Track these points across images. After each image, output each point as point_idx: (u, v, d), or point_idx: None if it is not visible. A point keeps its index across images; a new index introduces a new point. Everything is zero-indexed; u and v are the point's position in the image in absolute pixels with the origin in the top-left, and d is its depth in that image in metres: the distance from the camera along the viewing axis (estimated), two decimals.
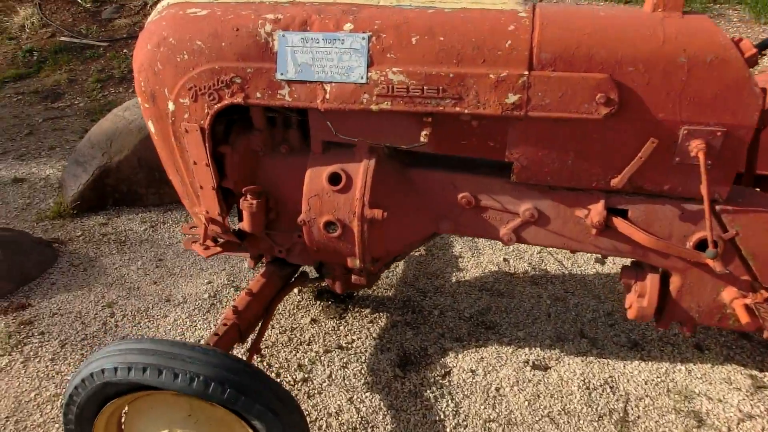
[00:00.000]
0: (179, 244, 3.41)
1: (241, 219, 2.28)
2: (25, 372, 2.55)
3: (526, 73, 1.81)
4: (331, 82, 1.93)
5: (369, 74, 1.90)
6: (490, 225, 2.17)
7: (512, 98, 1.84)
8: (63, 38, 7.62)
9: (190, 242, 2.58)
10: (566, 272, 3.22)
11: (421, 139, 1.94)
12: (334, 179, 2.11)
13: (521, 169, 2.00)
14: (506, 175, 2.12)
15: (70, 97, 6.22)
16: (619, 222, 2.02)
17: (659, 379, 2.55)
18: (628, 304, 2.24)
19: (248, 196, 2.18)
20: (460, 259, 3.33)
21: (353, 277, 2.40)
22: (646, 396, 2.46)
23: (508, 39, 1.82)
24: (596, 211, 2.02)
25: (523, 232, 2.15)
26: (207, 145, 2.10)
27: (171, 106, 2.08)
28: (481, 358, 2.64)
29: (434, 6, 1.94)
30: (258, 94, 1.99)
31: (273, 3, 2.03)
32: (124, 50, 7.15)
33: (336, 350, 2.68)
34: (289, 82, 1.96)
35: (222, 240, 2.45)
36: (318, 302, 2.95)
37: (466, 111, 1.88)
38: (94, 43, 7.48)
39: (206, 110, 2.04)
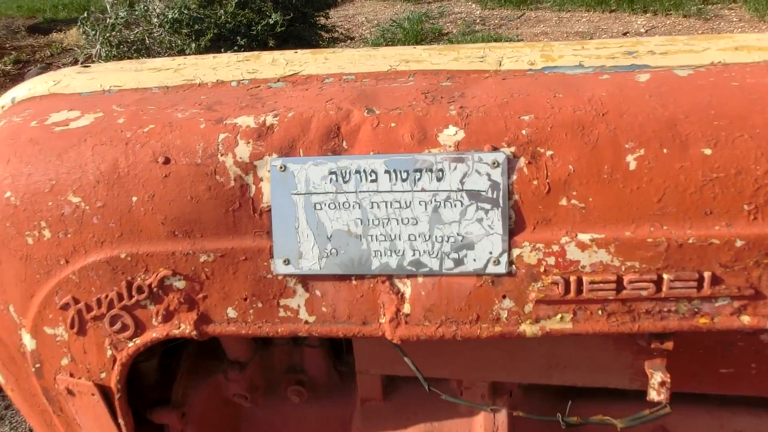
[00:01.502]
0: None
1: None
2: None
3: None
4: (416, 275, 0.77)
5: (514, 252, 0.74)
6: None
7: None
8: None
9: None
10: None
11: (653, 395, 0.79)
12: None
13: None
14: None
15: None
16: None
17: None
18: None
19: None
20: None
21: None
22: None
23: None
24: None
25: None
26: (121, 420, 0.90)
27: (28, 341, 0.88)
28: None
29: (642, 64, 0.80)
30: (230, 313, 0.81)
31: (249, 82, 0.88)
32: None
33: None
34: (307, 279, 0.79)
35: None
36: None
37: None
38: None
39: (110, 353, 0.86)
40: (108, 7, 6.45)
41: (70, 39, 8.00)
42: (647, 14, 8.46)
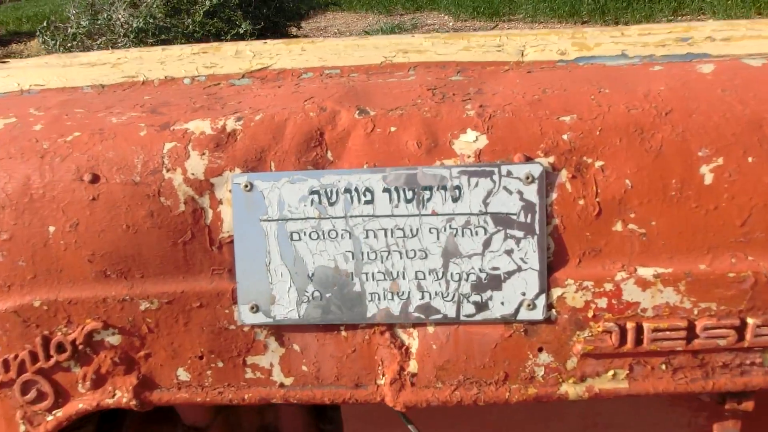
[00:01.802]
0: None
1: None
2: None
3: None
4: (426, 323, 0.59)
5: (554, 293, 0.57)
6: None
7: None
8: None
9: None
10: None
11: None
12: None
13: None
14: None
15: None
16: None
17: None
18: None
19: None
20: None
21: None
22: None
23: None
24: None
25: None
26: None
27: None
28: None
29: (701, 52, 0.65)
30: (182, 375, 0.62)
31: (206, 79, 0.70)
32: None
33: None
34: (282, 330, 0.61)
35: None
36: None
37: None
38: None
39: (23, 429, 0.66)
40: (71, 16, 6.19)
41: (31, 50, 7.71)
42: (619, 26, 8.55)
